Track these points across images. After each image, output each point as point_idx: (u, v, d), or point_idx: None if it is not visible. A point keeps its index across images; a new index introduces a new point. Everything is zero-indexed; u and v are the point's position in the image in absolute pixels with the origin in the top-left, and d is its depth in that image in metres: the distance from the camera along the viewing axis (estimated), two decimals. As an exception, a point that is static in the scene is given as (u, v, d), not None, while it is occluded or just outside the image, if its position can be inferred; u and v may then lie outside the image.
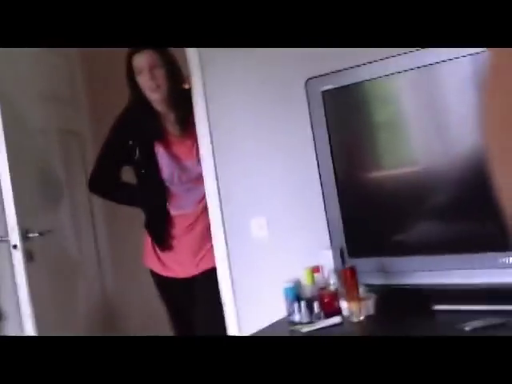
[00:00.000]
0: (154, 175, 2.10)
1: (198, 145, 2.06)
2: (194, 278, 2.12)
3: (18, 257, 2.05)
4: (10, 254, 2.11)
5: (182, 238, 2.13)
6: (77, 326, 2.42)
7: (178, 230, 2.13)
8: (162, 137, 2.10)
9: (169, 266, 2.16)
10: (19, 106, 2.20)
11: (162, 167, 2.09)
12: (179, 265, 2.14)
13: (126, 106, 2.12)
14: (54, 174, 2.44)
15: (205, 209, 2.09)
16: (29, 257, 2.07)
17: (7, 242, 2.09)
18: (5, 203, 2.07)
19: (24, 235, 2.06)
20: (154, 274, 2.20)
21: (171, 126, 2.10)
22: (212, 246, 2.08)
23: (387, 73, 1.59)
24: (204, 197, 2.08)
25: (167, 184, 2.11)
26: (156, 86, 1.99)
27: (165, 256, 2.16)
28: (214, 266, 2.07)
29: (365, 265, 1.61)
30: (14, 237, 2.05)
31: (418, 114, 1.64)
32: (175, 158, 2.10)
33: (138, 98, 2.04)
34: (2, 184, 2.07)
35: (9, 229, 2.07)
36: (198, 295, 2.11)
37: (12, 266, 2.15)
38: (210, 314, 2.06)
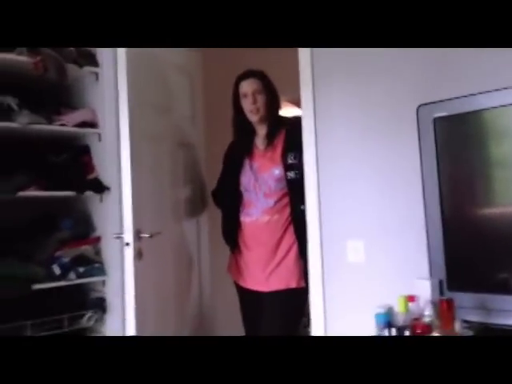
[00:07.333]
0: (236, 180, 2.35)
1: (276, 158, 2.28)
2: (263, 294, 2.27)
3: (128, 253, 2.23)
4: (123, 251, 2.30)
5: (253, 250, 2.31)
6: (172, 323, 2.56)
7: (246, 234, 2.32)
8: (251, 151, 2.38)
9: (244, 277, 2.36)
10: (145, 116, 2.41)
11: (243, 174, 2.34)
12: (252, 278, 2.33)
13: (234, 137, 2.45)
14: (166, 184, 2.62)
15: (270, 222, 2.26)
16: (138, 255, 2.24)
17: (122, 239, 2.28)
18: (123, 206, 2.27)
19: (136, 235, 2.24)
20: (235, 282, 2.43)
21: (260, 141, 2.37)
22: (280, 263, 2.23)
23: (506, 103, 1.53)
24: (270, 209, 2.26)
25: (243, 190, 2.34)
26: (256, 109, 2.29)
27: (242, 267, 2.37)
28: (285, 288, 2.20)
29: (464, 300, 1.54)
30: (128, 236, 2.23)
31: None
32: (254, 168, 2.33)
33: (240, 118, 2.34)
34: (123, 188, 2.28)
35: (124, 229, 2.26)
36: (265, 311, 2.23)
37: (122, 261, 2.34)
38: (275, 332, 2.15)
